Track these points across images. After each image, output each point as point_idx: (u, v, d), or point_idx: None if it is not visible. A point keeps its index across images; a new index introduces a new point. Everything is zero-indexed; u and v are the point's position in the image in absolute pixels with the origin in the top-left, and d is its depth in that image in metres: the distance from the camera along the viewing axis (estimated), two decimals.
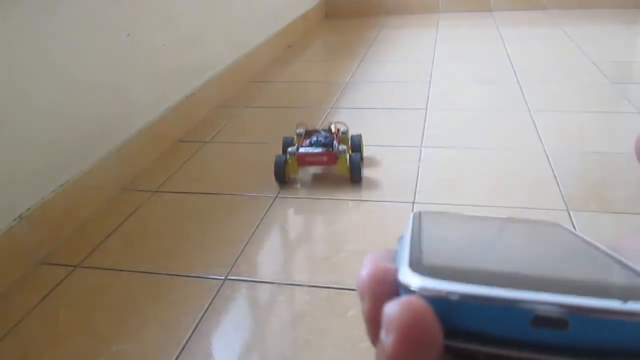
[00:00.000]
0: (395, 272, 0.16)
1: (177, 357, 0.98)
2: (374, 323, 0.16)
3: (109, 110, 1.59)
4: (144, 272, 1.22)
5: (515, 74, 2.41)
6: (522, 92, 2.19)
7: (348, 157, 1.50)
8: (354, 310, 1.07)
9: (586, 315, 0.14)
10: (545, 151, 1.66)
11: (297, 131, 1.64)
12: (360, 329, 1.06)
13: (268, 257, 1.26)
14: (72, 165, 1.43)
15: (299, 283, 1.15)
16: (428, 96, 2.20)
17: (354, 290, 1.12)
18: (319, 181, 1.60)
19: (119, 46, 1.64)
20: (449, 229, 0.20)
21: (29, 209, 1.27)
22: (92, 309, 1.12)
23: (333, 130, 1.62)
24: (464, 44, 3.09)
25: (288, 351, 0.99)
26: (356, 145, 1.60)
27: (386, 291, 0.16)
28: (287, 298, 1.12)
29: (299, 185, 1.57)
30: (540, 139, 1.75)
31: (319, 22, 3.84)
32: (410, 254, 0.17)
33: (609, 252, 0.18)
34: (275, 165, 1.51)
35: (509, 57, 2.68)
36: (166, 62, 1.91)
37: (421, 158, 1.67)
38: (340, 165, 1.51)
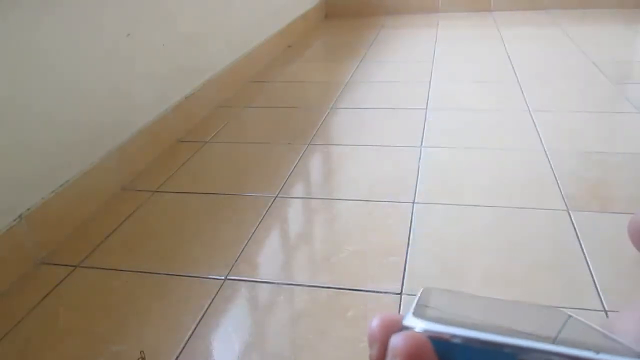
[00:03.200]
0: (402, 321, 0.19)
1: (177, 357, 0.98)
2: None
3: (109, 110, 1.59)
4: (144, 272, 1.22)
5: (515, 74, 2.41)
6: (522, 92, 2.19)
7: None
8: (354, 310, 1.07)
9: None
10: (545, 151, 1.66)
11: None
12: (360, 328, 1.06)
13: (268, 257, 1.26)
14: (72, 165, 1.43)
15: (299, 283, 1.15)
16: (428, 96, 2.20)
17: (354, 290, 1.12)
18: (318, 182, 1.60)
19: (119, 46, 1.64)
20: (454, 300, 0.22)
21: (29, 209, 1.27)
22: (92, 309, 1.12)
23: None
24: (464, 44, 3.09)
25: (288, 351, 0.99)
26: None
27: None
28: (287, 298, 1.12)
29: (299, 184, 1.57)
30: (540, 139, 1.75)
31: (319, 22, 3.84)
32: (416, 306, 0.19)
33: (602, 330, 0.19)
34: None
35: (509, 57, 2.68)
36: (166, 62, 1.91)
37: (421, 158, 1.67)
38: None
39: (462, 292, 0.23)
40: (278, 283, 1.16)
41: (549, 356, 0.16)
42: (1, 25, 1.21)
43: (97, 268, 1.25)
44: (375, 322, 0.19)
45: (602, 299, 1.05)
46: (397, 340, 0.17)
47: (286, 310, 1.09)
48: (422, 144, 1.77)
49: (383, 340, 0.18)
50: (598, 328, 0.19)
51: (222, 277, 1.18)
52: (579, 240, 1.23)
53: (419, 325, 0.18)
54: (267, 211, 1.43)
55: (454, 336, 0.17)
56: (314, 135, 1.90)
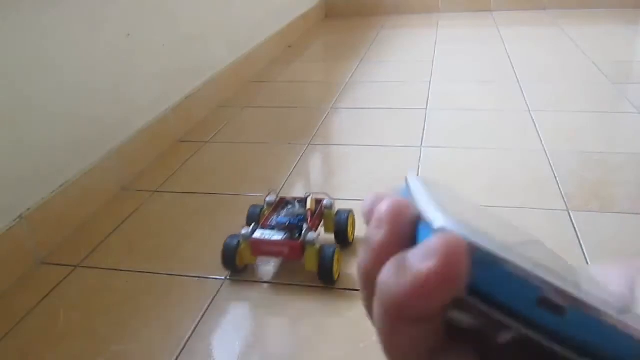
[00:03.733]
0: (415, 210, 0.16)
1: (177, 357, 0.98)
2: (383, 252, 0.16)
3: (109, 110, 1.59)
4: (144, 272, 1.22)
5: (515, 74, 2.41)
6: (522, 92, 2.19)
7: (319, 250, 1.12)
8: (354, 310, 1.07)
9: (583, 311, 0.15)
10: (545, 151, 1.66)
11: (267, 199, 1.28)
12: (360, 328, 1.06)
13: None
14: (72, 165, 1.43)
15: (299, 283, 1.15)
16: (428, 96, 2.20)
17: (354, 290, 1.12)
18: (318, 182, 1.60)
19: (119, 46, 1.64)
20: (453, 196, 0.20)
21: (29, 209, 1.27)
22: (92, 309, 1.12)
23: (309, 205, 1.23)
24: (464, 44, 3.09)
25: (288, 351, 0.99)
26: (341, 227, 1.23)
27: (405, 224, 0.16)
28: (287, 298, 1.12)
29: (299, 184, 1.56)
30: (540, 139, 1.75)
31: (319, 22, 3.84)
32: (433, 199, 0.16)
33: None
34: (223, 250, 1.16)
35: (509, 57, 2.68)
36: (166, 62, 1.91)
37: (421, 158, 1.67)
38: (308, 260, 1.12)
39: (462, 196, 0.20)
40: (278, 283, 1.16)
41: (571, 301, 0.15)
42: (1, 25, 1.21)
43: (97, 268, 1.25)
44: (385, 205, 0.17)
45: None
46: (434, 239, 0.14)
47: (286, 310, 1.09)
48: (422, 144, 1.77)
49: (394, 226, 0.16)
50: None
51: (222, 277, 1.18)
52: (579, 240, 1.23)
53: (449, 224, 0.15)
54: None
55: (492, 255, 0.14)
56: (314, 135, 1.90)
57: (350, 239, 1.25)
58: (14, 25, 1.25)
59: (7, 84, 1.23)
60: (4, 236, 1.20)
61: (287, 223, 1.17)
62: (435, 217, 0.15)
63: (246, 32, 2.63)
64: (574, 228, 1.27)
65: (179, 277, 1.20)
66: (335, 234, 1.23)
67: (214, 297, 1.13)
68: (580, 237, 1.24)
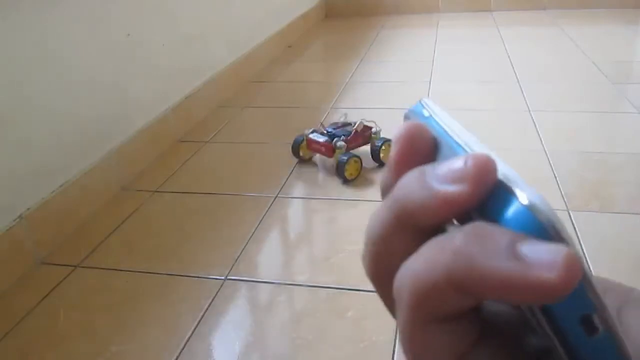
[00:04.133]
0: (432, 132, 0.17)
1: (177, 357, 0.98)
2: (400, 165, 0.17)
3: (109, 110, 1.59)
4: (144, 272, 1.22)
5: (515, 74, 2.41)
6: (522, 92, 2.19)
7: (341, 153, 1.55)
8: (354, 310, 1.07)
9: (609, 337, 0.14)
10: (545, 151, 1.66)
11: (340, 119, 1.75)
12: (360, 328, 1.06)
13: (268, 257, 1.26)
14: (72, 165, 1.43)
15: (299, 283, 1.15)
16: (428, 96, 2.20)
17: (354, 290, 1.12)
18: (318, 181, 1.60)
19: (119, 46, 1.64)
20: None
21: (29, 209, 1.27)
22: (92, 309, 1.12)
23: (355, 127, 1.63)
24: (464, 44, 3.09)
25: (288, 351, 0.99)
26: (375, 150, 1.61)
27: (422, 142, 0.17)
28: (287, 298, 1.12)
29: (299, 184, 1.57)
30: (540, 139, 1.75)
31: (319, 22, 3.84)
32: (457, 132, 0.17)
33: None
34: (292, 144, 1.67)
35: (509, 57, 2.68)
36: (166, 62, 1.91)
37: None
38: (334, 158, 1.57)
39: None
40: (278, 283, 1.16)
41: (608, 328, 0.14)
42: (1, 25, 1.21)
43: (97, 268, 1.25)
44: (401, 126, 0.17)
45: None
46: (467, 162, 0.15)
47: (286, 310, 1.09)
48: None
49: (410, 141, 0.17)
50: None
51: (222, 277, 1.18)
52: (579, 240, 1.23)
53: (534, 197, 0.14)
54: (267, 211, 1.43)
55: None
56: None
57: (386, 161, 1.54)
58: (14, 25, 1.25)
59: (7, 84, 1.23)
60: (3, 236, 1.20)
61: (333, 133, 1.61)
62: (517, 185, 0.15)
63: (246, 32, 2.63)
64: (574, 228, 1.27)
65: (179, 277, 1.20)
66: (371, 154, 1.62)
67: (214, 297, 1.13)
68: (580, 237, 1.24)
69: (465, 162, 0.14)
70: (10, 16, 1.23)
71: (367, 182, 1.55)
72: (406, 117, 0.19)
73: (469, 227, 0.14)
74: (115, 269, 1.23)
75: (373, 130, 1.65)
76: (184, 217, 1.44)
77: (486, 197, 0.15)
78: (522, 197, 0.14)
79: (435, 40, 3.11)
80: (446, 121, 0.17)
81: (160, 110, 1.86)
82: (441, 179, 0.15)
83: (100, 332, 1.05)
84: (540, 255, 0.13)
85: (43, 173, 1.33)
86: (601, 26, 3.26)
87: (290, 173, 1.63)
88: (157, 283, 1.18)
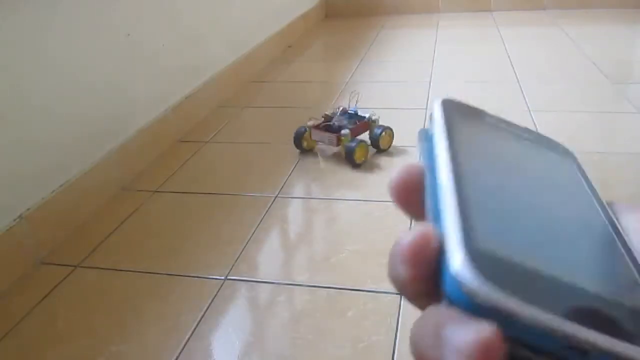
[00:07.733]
0: (436, 237, 0.16)
1: (177, 357, 0.98)
2: (413, 287, 0.17)
3: (109, 110, 1.59)
4: (144, 272, 1.22)
5: (515, 74, 2.41)
6: (522, 92, 2.19)
7: (347, 141, 1.62)
8: (354, 310, 1.07)
9: (607, 355, 0.15)
10: None
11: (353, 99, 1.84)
12: (360, 328, 1.06)
13: (268, 257, 1.26)
14: (72, 165, 1.43)
15: (299, 283, 1.15)
16: (428, 96, 2.20)
17: (354, 290, 1.12)
18: (319, 180, 1.60)
19: (119, 46, 1.64)
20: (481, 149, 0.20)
21: (29, 209, 1.27)
22: (92, 309, 1.12)
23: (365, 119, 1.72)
24: (464, 44, 3.09)
25: (288, 351, 0.99)
26: (374, 137, 1.67)
27: (429, 259, 0.16)
28: (287, 298, 1.12)
29: (299, 184, 1.57)
30: None
31: (319, 22, 3.84)
32: (459, 227, 0.16)
33: (624, 239, 0.18)
34: (294, 135, 1.71)
35: (509, 57, 2.68)
36: (166, 62, 1.91)
37: (421, 158, 1.67)
38: (341, 147, 1.63)
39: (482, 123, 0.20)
40: (278, 283, 1.16)
41: (600, 351, 0.14)
42: (1, 25, 1.21)
43: (97, 268, 1.25)
44: (407, 239, 0.16)
45: None
46: (460, 336, 0.14)
47: (286, 310, 1.09)
48: None
49: (416, 263, 0.16)
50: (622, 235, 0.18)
51: (222, 277, 1.18)
52: None
53: (474, 291, 0.14)
54: (267, 211, 1.43)
55: (520, 316, 0.14)
56: None
57: (385, 148, 1.70)
58: (14, 25, 1.25)
59: (7, 84, 1.23)
60: (4, 236, 1.20)
61: (336, 123, 1.68)
62: (453, 254, 0.15)
63: (246, 32, 2.63)
64: None
65: (179, 277, 1.20)
66: (370, 141, 1.67)
67: (214, 297, 1.13)
68: None
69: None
70: (10, 16, 1.23)
71: (368, 182, 1.55)
72: (419, 136, 0.19)
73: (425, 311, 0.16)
74: (115, 269, 1.23)
75: (372, 117, 1.73)
76: (184, 217, 1.44)
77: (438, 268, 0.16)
78: (452, 267, 0.15)
79: (435, 41, 3.11)
80: (441, 145, 0.17)
81: (160, 110, 1.86)
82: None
83: (100, 332, 1.05)
84: (459, 339, 0.14)
85: (43, 173, 1.33)
86: (601, 26, 3.26)
87: (290, 173, 1.63)
88: (157, 283, 1.18)
